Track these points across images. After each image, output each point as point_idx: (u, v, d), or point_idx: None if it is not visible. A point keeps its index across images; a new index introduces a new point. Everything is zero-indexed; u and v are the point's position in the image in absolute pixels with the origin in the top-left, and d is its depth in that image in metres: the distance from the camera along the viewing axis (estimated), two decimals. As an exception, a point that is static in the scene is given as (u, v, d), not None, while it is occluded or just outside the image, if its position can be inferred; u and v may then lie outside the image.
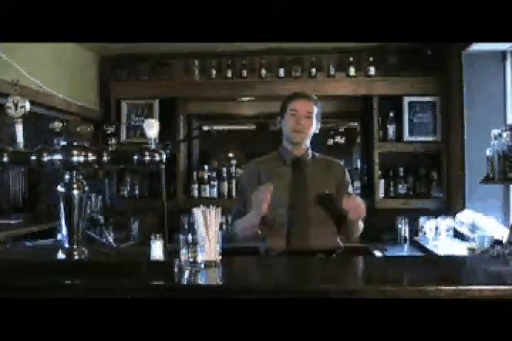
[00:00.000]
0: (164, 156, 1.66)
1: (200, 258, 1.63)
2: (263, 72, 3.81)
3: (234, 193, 3.83)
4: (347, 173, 2.34)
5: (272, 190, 1.99)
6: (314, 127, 2.24)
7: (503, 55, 3.27)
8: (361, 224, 2.22)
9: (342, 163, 2.41)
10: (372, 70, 3.76)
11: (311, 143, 2.29)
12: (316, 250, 2.12)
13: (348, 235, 2.27)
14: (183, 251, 1.62)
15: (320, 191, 2.20)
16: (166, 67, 3.94)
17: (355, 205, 2.02)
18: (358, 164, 4.02)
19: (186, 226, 3.66)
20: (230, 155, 4.20)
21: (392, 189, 3.77)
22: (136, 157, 1.64)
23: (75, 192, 1.66)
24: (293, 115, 2.20)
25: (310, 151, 2.30)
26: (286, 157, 2.26)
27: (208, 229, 1.72)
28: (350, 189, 2.32)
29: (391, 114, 3.78)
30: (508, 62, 3.26)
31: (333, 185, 2.25)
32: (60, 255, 1.66)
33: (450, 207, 3.60)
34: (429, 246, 3.16)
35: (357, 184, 3.84)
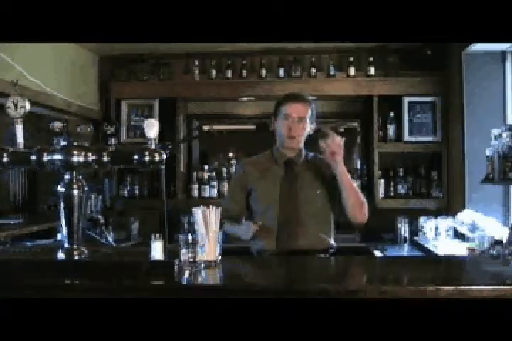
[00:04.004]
0: (164, 156, 1.66)
1: (200, 258, 1.63)
2: (263, 72, 3.81)
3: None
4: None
5: (258, 226, 2.06)
6: (307, 130, 2.21)
7: (503, 55, 3.27)
8: (360, 196, 2.15)
9: None
10: (372, 70, 3.76)
11: (310, 143, 2.28)
12: (306, 250, 2.12)
13: (352, 211, 2.13)
14: (183, 251, 1.62)
15: (311, 192, 2.20)
16: (166, 67, 3.94)
17: (331, 144, 2.07)
18: (358, 164, 4.02)
19: (186, 226, 3.65)
20: (230, 155, 4.20)
21: (392, 189, 3.78)
22: (136, 157, 1.64)
23: (75, 192, 1.66)
24: (285, 119, 2.17)
25: (303, 152, 2.28)
26: (279, 158, 2.25)
27: (207, 229, 1.72)
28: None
29: (391, 114, 3.78)
30: (508, 62, 3.26)
31: (326, 184, 2.22)
32: (60, 255, 1.67)
33: (450, 207, 3.60)
34: (429, 246, 3.16)
35: (357, 184, 3.84)
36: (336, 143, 2.09)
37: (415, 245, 3.45)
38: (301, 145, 2.25)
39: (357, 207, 2.14)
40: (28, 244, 2.80)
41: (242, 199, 2.27)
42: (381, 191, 3.77)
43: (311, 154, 2.31)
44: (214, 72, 3.85)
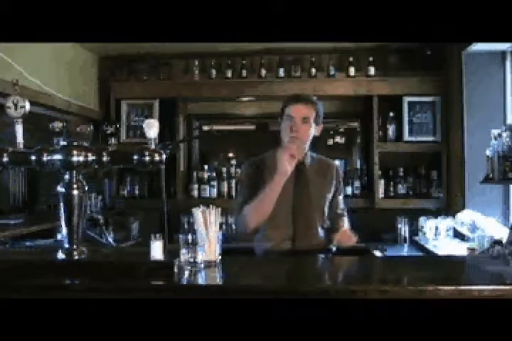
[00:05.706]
0: (164, 156, 1.66)
1: (200, 258, 1.63)
2: (263, 72, 3.81)
3: (234, 193, 3.83)
4: (341, 176, 2.38)
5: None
6: (312, 131, 2.19)
7: (503, 55, 3.27)
8: (353, 238, 2.20)
9: (337, 163, 2.40)
10: (372, 70, 3.76)
11: (311, 143, 2.28)
12: (314, 250, 2.14)
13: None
14: (183, 251, 1.62)
15: (322, 194, 2.23)
16: (166, 67, 3.94)
17: (345, 240, 2.11)
18: (358, 164, 4.02)
19: (186, 226, 3.66)
20: (230, 155, 4.20)
21: (392, 189, 3.78)
22: (136, 157, 1.64)
23: (75, 192, 1.65)
24: (288, 120, 2.15)
25: (309, 153, 2.29)
26: None
27: (207, 229, 1.72)
28: (341, 197, 2.35)
29: (391, 114, 3.78)
30: (508, 62, 3.26)
31: (332, 187, 2.28)
32: (60, 255, 1.66)
33: (450, 207, 3.60)
34: (429, 246, 3.16)
35: (357, 184, 3.85)
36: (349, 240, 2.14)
37: (415, 245, 3.45)
38: (306, 146, 2.24)
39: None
40: (28, 244, 2.80)
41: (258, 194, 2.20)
42: (381, 191, 3.77)
43: (314, 154, 2.32)
44: (214, 72, 3.85)
